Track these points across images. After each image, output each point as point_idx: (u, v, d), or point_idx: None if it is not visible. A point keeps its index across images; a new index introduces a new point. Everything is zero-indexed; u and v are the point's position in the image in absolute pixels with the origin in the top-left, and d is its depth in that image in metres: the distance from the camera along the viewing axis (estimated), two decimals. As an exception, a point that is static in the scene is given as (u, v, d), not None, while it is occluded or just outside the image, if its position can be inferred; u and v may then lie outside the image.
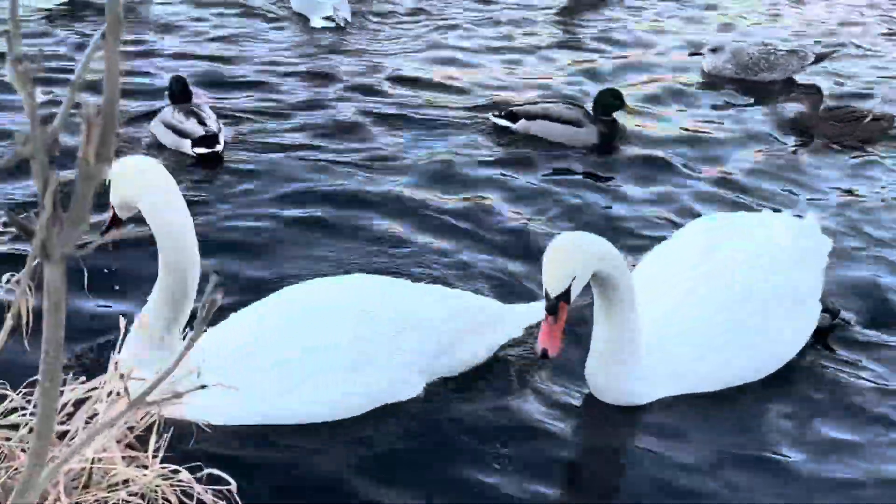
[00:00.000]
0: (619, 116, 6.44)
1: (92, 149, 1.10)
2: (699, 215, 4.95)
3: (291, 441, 3.21)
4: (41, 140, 1.10)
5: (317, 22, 9.08)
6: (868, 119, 6.60)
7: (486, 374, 3.73)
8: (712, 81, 7.98)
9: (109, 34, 1.08)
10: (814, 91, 7.11)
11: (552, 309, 3.15)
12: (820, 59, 8.13)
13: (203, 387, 1.66)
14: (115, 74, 1.09)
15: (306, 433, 3.25)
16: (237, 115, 6.60)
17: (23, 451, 2.36)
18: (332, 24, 9.04)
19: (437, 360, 3.55)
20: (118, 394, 2.33)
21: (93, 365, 3.29)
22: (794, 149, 6.61)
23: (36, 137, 1.10)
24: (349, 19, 9.12)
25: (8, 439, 2.31)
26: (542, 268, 3.19)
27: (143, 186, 3.15)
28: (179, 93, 6.22)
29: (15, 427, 2.44)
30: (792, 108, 6.93)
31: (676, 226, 4.83)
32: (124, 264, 4.07)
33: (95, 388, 2.50)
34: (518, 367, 3.79)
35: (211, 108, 6.19)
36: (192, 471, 2.41)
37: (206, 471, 2.43)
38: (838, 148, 6.55)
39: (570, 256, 3.18)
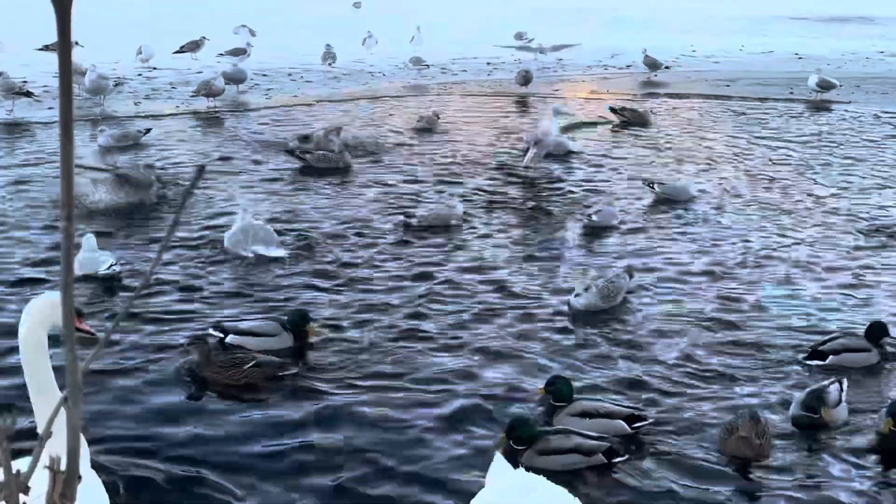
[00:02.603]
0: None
1: (57, 492, 1.33)
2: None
3: None
4: (15, 488, 1.32)
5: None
6: (250, 365, 6.79)
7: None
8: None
9: (70, 399, 1.31)
10: (202, 342, 6.97)
11: None
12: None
13: None
14: (76, 434, 1.31)
15: None
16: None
17: None
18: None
19: None
20: None
21: None
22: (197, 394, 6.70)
23: (10, 483, 1.33)
24: (282, 256, 9.37)
25: None
26: None
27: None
28: (294, 326, 7.51)
29: None
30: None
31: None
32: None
33: None
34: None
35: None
36: None
37: None
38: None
39: None
